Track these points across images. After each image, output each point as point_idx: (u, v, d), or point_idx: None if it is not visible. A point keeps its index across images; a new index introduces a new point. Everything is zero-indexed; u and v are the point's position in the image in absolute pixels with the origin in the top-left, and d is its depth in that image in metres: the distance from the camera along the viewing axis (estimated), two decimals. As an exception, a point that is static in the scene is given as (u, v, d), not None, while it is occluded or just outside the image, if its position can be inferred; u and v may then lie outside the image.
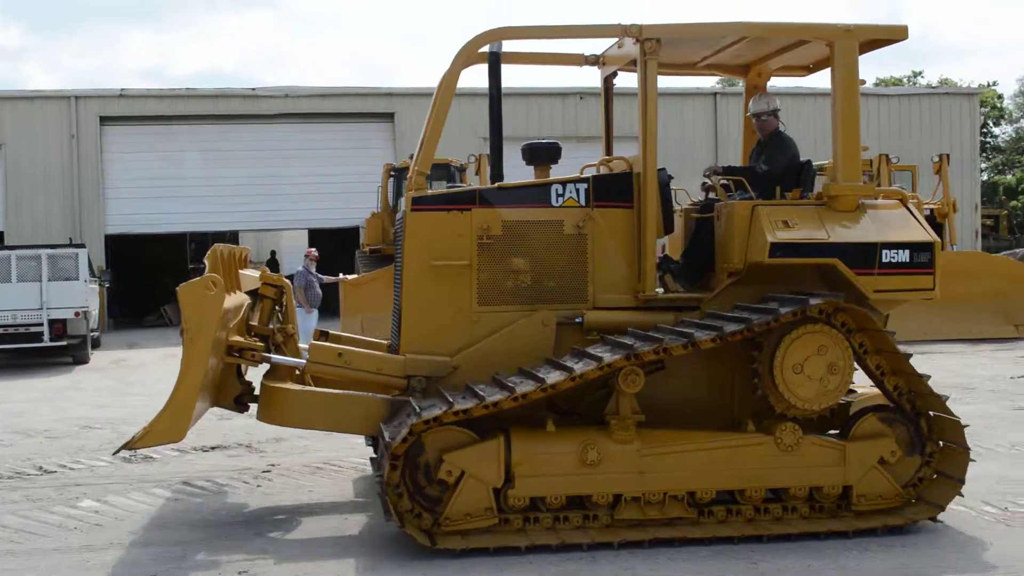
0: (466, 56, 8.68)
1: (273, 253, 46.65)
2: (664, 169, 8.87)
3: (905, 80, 65.08)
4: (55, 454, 11.98)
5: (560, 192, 8.70)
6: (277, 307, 9.35)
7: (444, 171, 25.54)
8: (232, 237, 39.68)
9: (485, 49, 8.82)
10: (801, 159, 9.47)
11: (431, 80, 37.31)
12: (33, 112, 34.89)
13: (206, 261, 8.30)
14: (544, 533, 7.95)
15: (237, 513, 9.25)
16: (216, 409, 9.45)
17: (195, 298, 7.62)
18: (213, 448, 12.16)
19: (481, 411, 7.76)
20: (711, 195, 9.43)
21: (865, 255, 8.44)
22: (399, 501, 7.78)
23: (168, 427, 7.71)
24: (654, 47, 8.55)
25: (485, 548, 7.74)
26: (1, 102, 34.99)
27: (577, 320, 8.66)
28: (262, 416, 8.74)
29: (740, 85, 10.35)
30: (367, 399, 8.56)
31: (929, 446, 8.44)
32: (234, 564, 7.70)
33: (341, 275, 21.96)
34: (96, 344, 25.98)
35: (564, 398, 8.34)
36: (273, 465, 11.14)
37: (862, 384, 9.14)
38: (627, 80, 9.46)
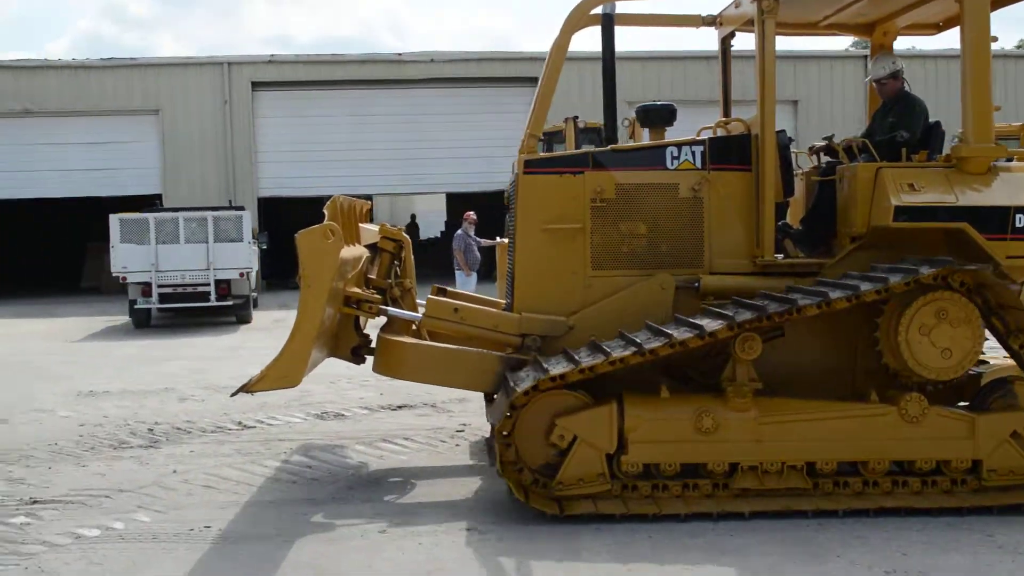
0: (577, 18, 8.56)
1: (413, 216, 47.03)
2: (784, 131, 8.62)
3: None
4: (247, 409, 12.21)
5: (675, 155, 8.53)
6: (396, 261, 9.38)
7: (595, 135, 25.25)
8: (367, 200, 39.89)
9: (598, 11, 8.69)
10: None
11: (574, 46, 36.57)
12: (188, 79, 35.58)
13: (325, 211, 8.32)
14: (671, 501, 7.81)
15: (447, 469, 9.45)
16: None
17: (312, 246, 7.65)
18: (400, 407, 12.33)
19: (606, 367, 7.60)
20: (827, 158, 9.15)
21: (997, 219, 8.09)
22: (505, 451, 7.73)
23: (284, 373, 7.78)
24: (772, 5, 8.28)
25: (611, 515, 7.65)
26: (157, 69, 35.78)
27: (694, 284, 8.49)
28: (378, 367, 8.78)
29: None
30: (481, 355, 8.54)
31: None
32: (460, 520, 7.80)
33: (498, 238, 22.08)
34: (255, 304, 26.56)
35: (679, 363, 8.18)
36: (465, 424, 11.24)
37: (995, 355, 8.79)
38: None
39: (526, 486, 7.77)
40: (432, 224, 49.79)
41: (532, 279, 8.62)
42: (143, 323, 23.62)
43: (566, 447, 7.74)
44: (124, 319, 24.64)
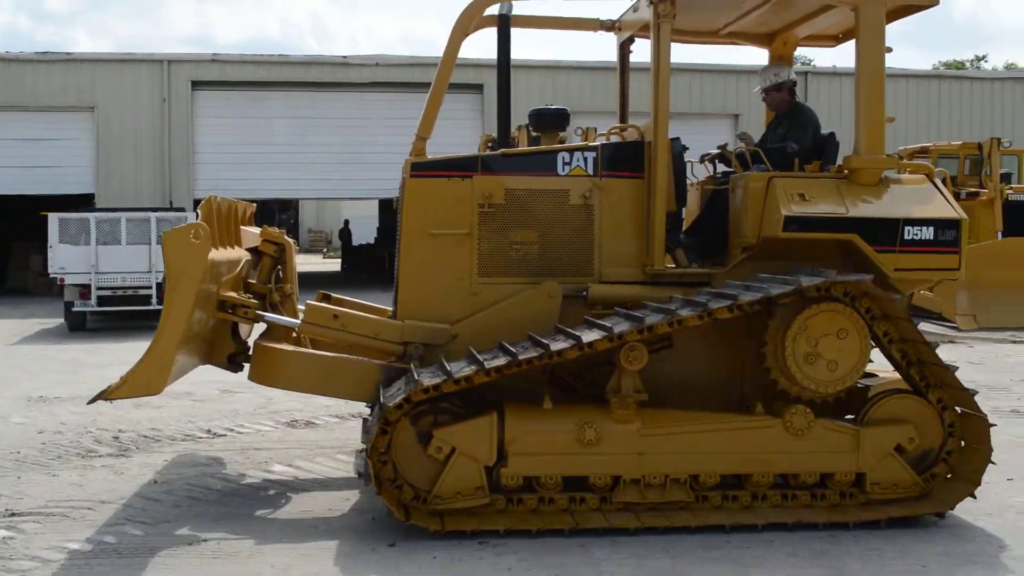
0: (468, 19, 8.41)
1: (347, 222, 46.76)
2: (678, 139, 8.51)
3: (968, 64, 63.58)
4: (213, 417, 12.00)
5: (567, 160, 8.35)
6: (278, 265, 9.11)
7: None
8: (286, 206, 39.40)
9: (494, 11, 8.55)
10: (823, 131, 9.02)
11: (521, 53, 36.62)
12: (125, 76, 35.17)
13: (199, 211, 8.05)
14: (529, 516, 7.64)
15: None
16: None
17: (179, 247, 7.34)
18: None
19: (482, 377, 7.41)
20: (719, 167, 9.06)
21: (886, 231, 8.01)
22: (382, 468, 7.52)
23: (146, 379, 7.51)
24: (668, 9, 8.14)
25: (462, 531, 7.47)
26: (93, 65, 35.33)
27: (583, 293, 8.32)
28: (253, 376, 8.52)
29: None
30: (362, 364, 8.27)
31: (950, 443, 8.01)
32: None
33: None
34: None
35: (566, 374, 8.05)
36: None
37: (884, 368, 8.71)
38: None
39: (406, 503, 7.58)
40: (365, 229, 49.70)
41: (417, 285, 8.40)
42: (78, 326, 23.06)
43: (444, 459, 7.56)
44: (57, 321, 24.14)
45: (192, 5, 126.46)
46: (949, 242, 8.08)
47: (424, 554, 7.15)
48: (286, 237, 9.13)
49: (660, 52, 8.21)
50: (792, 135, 8.87)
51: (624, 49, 9.60)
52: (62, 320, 23.61)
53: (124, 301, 22.92)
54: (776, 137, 9.02)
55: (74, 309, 22.90)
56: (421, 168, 8.35)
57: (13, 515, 8.12)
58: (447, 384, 7.38)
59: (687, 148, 8.64)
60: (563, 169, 8.34)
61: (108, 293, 22.66)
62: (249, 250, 9.12)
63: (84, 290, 22.69)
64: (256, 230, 9.36)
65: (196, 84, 35.64)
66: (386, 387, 7.84)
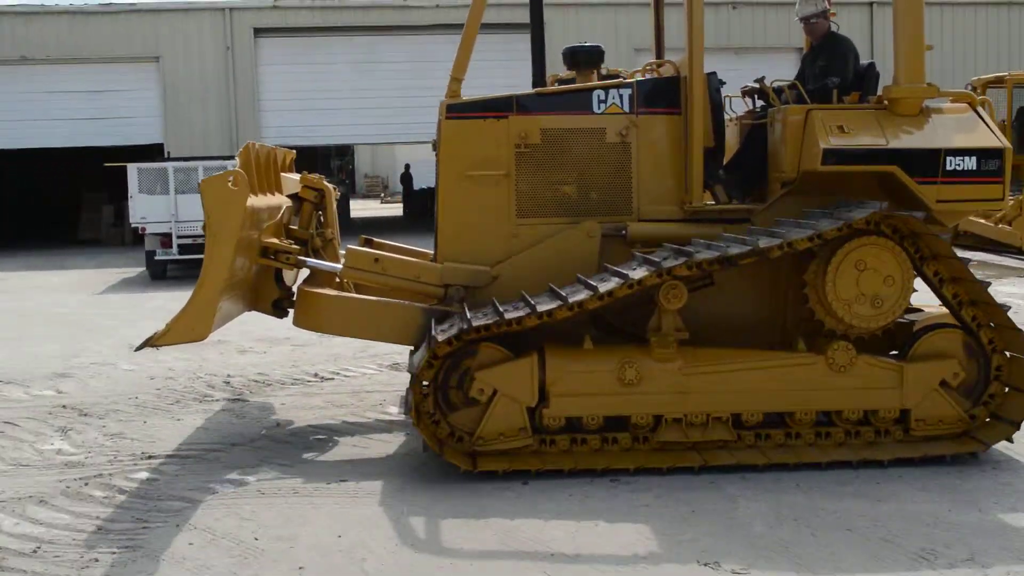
0: None
1: (407, 167, 46.65)
2: (715, 73, 8.42)
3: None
4: (317, 361, 12.29)
5: (602, 98, 8.28)
6: (319, 211, 9.17)
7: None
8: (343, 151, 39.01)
9: None
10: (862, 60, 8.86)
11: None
12: (188, 25, 35.24)
13: (237, 158, 8.12)
14: (588, 456, 7.69)
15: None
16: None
17: (217, 194, 7.43)
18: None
19: (533, 321, 7.43)
20: (760, 102, 8.94)
21: (927, 162, 7.88)
22: (436, 429, 7.64)
23: (191, 326, 7.59)
24: None
25: (527, 470, 7.56)
26: (156, 15, 35.49)
27: (622, 232, 8.28)
28: (298, 321, 8.62)
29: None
30: (404, 307, 8.33)
31: (996, 359, 7.90)
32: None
33: None
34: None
35: (608, 313, 8.01)
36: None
37: (930, 304, 8.62)
38: None
39: (442, 439, 7.67)
40: (425, 173, 49.49)
41: (456, 228, 8.41)
42: (159, 275, 23.33)
43: (486, 401, 7.62)
44: (138, 271, 24.49)
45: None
46: (992, 172, 7.93)
47: (559, 491, 7.25)
48: (325, 183, 9.16)
49: None
50: (832, 67, 8.71)
51: None
52: (143, 269, 23.98)
53: (203, 249, 22.92)
54: (816, 69, 8.87)
55: (156, 258, 23.22)
56: (456, 110, 8.33)
57: (150, 457, 8.36)
58: (496, 326, 7.43)
59: (724, 83, 8.54)
60: (599, 107, 8.28)
61: (188, 241, 22.83)
62: (290, 196, 9.17)
63: (165, 239, 23.00)
64: (296, 176, 9.42)
65: (258, 31, 35.61)
66: (438, 322, 7.87)
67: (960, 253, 7.74)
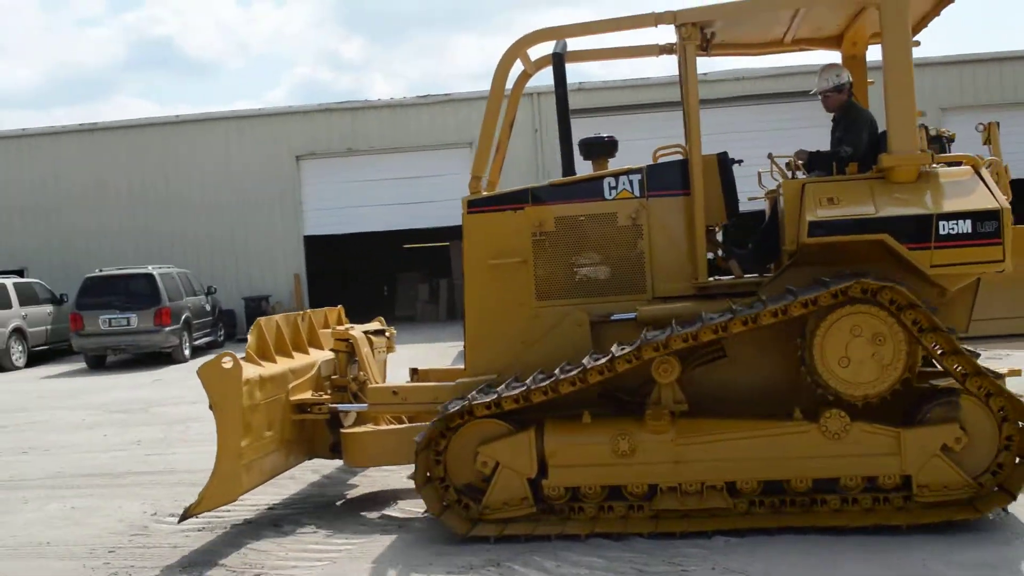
0: (508, 61, 8.93)
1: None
2: (726, 153, 8.69)
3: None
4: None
5: (613, 184, 8.71)
6: (354, 358, 9.95)
7: (939, 142, 24.00)
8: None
9: (549, 51, 9.05)
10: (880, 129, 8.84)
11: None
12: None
13: (249, 336, 9.15)
14: (579, 524, 8.11)
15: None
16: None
17: (213, 376, 8.32)
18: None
19: (511, 404, 8.09)
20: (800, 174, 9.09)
21: (919, 228, 7.82)
22: (445, 494, 8.28)
23: (222, 492, 8.40)
24: (690, 32, 8.41)
25: (518, 536, 8.04)
26: (469, 103, 37.38)
27: (618, 317, 8.69)
28: (347, 461, 9.46)
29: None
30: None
31: (1007, 428, 7.79)
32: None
33: None
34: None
35: (619, 390, 8.43)
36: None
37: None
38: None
39: (449, 504, 8.27)
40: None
41: (484, 317, 8.97)
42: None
43: (490, 473, 8.18)
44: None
45: (473, 40, 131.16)
46: (989, 234, 7.77)
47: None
48: (352, 332, 10.00)
49: (688, 71, 8.45)
50: (847, 138, 8.80)
51: None
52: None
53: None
54: (834, 141, 8.97)
55: None
56: (477, 205, 8.99)
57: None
58: (480, 407, 8.13)
59: (737, 161, 8.78)
60: (610, 193, 8.72)
61: None
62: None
63: None
64: (356, 328, 10.38)
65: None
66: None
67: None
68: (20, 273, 34.25)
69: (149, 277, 27.75)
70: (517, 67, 9.19)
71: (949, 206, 7.87)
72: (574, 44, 9.14)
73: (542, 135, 36.47)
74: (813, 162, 8.84)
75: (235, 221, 37.83)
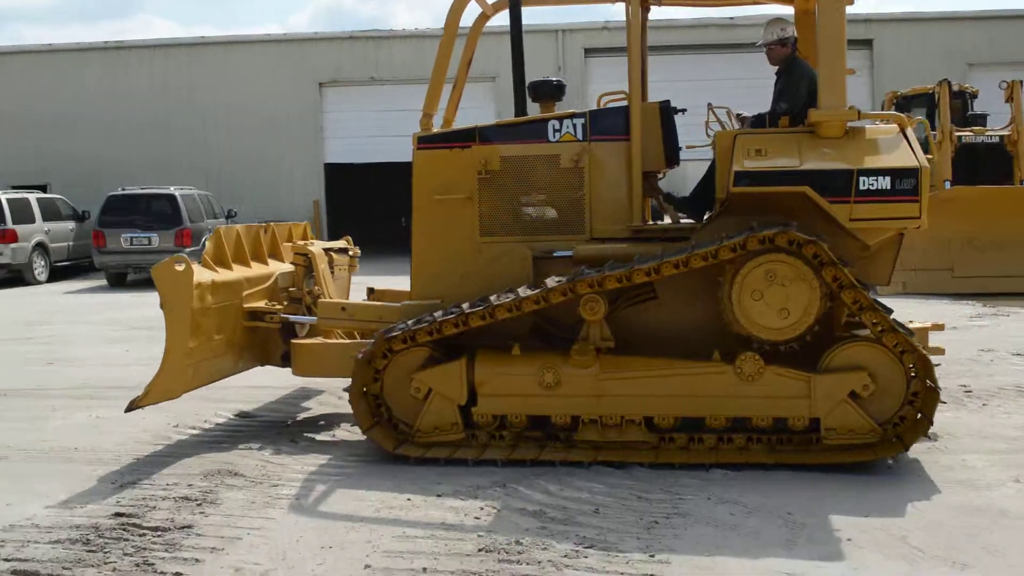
0: (461, 3, 9.40)
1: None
2: (668, 101, 8.97)
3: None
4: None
5: (557, 127, 9.02)
6: (311, 272, 10.35)
7: (926, 100, 23.88)
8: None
9: None
10: None
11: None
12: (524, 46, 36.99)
13: (206, 242, 9.58)
14: (500, 449, 8.53)
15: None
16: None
17: (165, 276, 8.70)
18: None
19: (451, 328, 8.46)
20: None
21: (840, 182, 8.08)
22: (378, 410, 8.73)
23: (166, 386, 8.82)
24: None
25: (437, 459, 8.45)
26: (496, 37, 37.32)
27: (559, 254, 9.02)
28: (295, 370, 9.84)
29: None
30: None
31: (914, 384, 8.12)
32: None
33: None
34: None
35: (551, 325, 8.82)
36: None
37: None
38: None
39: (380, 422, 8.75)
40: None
41: (428, 249, 9.32)
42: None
43: (422, 398, 8.60)
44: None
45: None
46: (907, 191, 8.03)
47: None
48: (310, 247, 10.42)
49: (632, 21, 8.74)
50: (786, 93, 9.05)
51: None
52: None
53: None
54: (775, 95, 9.21)
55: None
56: (426, 141, 9.35)
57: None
58: (421, 332, 8.51)
59: (679, 110, 9.05)
60: (554, 136, 9.03)
61: None
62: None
63: None
64: (319, 243, 10.83)
65: (588, 51, 37.08)
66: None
67: None
68: (43, 188, 34.79)
69: (171, 198, 28.36)
70: (475, 8, 9.47)
71: (870, 162, 8.12)
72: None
73: (565, 72, 36.45)
74: (756, 126, 9.08)
75: (257, 146, 38.28)
